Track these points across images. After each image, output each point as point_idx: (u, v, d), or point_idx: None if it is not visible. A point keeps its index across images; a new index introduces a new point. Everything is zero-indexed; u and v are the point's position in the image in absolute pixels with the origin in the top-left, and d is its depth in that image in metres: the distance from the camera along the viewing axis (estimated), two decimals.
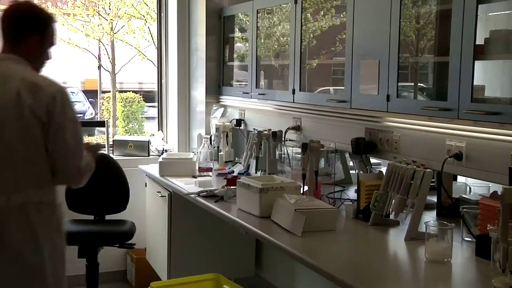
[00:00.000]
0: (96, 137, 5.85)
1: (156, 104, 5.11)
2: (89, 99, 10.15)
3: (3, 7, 2.42)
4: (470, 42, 2.22)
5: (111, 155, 4.61)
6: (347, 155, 3.54)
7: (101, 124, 5.54)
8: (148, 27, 5.88)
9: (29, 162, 2.27)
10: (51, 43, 2.42)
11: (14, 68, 2.32)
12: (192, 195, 3.38)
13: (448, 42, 2.33)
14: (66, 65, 5.97)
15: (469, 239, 2.38)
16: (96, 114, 10.05)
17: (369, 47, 2.80)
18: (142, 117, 5.98)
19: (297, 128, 3.54)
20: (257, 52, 3.92)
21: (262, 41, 3.97)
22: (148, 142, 4.79)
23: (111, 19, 5.98)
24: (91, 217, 4.18)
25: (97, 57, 6.20)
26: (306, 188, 3.02)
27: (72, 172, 2.34)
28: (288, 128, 3.54)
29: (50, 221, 2.35)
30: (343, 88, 3.03)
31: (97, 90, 6.54)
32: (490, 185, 2.74)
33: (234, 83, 4.47)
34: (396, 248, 2.49)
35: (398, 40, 2.60)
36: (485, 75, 2.45)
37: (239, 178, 3.13)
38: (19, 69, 2.32)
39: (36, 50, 2.38)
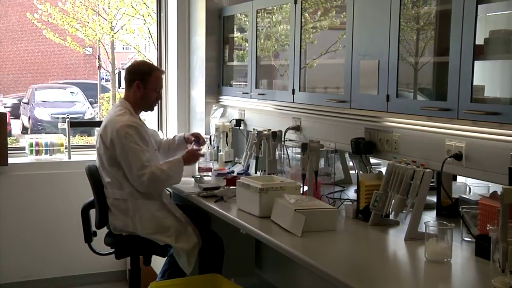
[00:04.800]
0: None
1: None
2: (89, 99, 10.17)
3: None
4: (470, 42, 2.22)
5: None
6: (347, 155, 3.54)
7: (101, 124, 5.52)
8: (148, 27, 5.89)
9: None
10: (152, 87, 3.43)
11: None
12: (192, 195, 3.38)
13: (448, 42, 2.33)
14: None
15: (469, 239, 2.38)
16: (96, 114, 10.08)
17: (369, 47, 2.80)
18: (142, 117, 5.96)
19: (297, 128, 3.54)
20: (257, 52, 3.92)
21: (262, 41, 3.97)
22: None
23: (111, 19, 5.99)
24: None
25: (97, 57, 6.21)
26: (306, 188, 3.02)
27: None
28: (288, 128, 3.54)
29: None
30: (343, 88, 3.03)
31: None
32: (490, 185, 2.74)
33: (234, 83, 4.47)
34: (396, 248, 2.49)
35: (398, 40, 2.60)
36: (484, 75, 2.44)
37: (239, 178, 3.13)
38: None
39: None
